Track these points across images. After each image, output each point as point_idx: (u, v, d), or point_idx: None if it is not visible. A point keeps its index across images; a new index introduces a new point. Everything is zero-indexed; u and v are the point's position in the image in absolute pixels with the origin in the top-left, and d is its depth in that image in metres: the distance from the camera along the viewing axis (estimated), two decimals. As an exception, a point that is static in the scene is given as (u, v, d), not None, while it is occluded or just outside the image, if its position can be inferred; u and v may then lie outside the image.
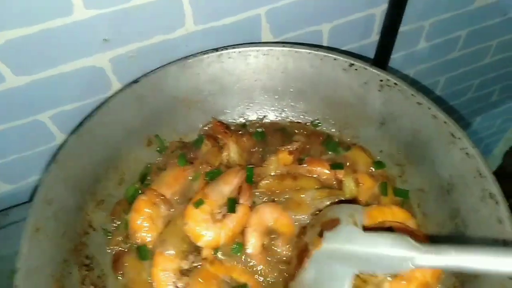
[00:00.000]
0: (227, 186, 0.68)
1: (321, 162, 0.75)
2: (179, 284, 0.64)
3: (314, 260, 0.60)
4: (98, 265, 0.67)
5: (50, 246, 0.60)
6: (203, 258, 0.65)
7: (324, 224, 0.62)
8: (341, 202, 0.70)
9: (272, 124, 0.84)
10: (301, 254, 0.63)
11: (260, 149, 0.78)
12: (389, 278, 0.63)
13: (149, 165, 0.78)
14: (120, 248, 0.69)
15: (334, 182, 0.74)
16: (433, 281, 0.65)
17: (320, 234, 0.60)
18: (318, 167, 0.74)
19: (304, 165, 0.74)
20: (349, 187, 0.72)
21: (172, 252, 0.65)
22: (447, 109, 0.68)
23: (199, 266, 0.65)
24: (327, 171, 0.74)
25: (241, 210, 0.67)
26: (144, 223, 0.67)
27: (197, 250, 0.66)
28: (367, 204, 0.72)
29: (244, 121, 0.84)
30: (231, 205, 0.67)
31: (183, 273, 0.65)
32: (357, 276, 0.65)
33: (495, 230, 0.59)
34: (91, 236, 0.68)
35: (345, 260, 0.56)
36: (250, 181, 0.71)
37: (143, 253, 0.66)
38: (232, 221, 0.66)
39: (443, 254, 0.50)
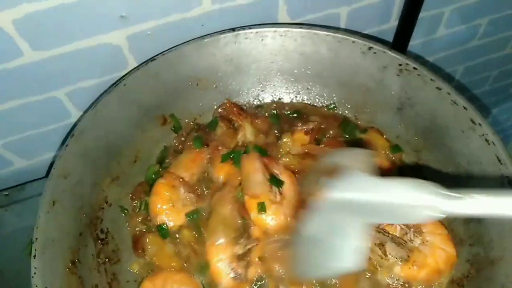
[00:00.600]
0: (257, 173, 0.67)
1: (340, 143, 0.75)
2: (239, 270, 0.63)
3: (317, 213, 0.53)
4: (113, 240, 0.68)
5: (67, 219, 0.60)
6: (255, 239, 0.65)
7: (327, 172, 0.54)
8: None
9: (288, 106, 0.83)
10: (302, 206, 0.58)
11: (275, 131, 0.77)
12: (399, 262, 0.63)
13: (166, 147, 0.78)
14: (138, 229, 0.69)
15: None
16: (445, 268, 0.64)
17: (322, 183, 0.53)
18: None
19: (322, 146, 0.74)
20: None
21: (222, 241, 0.64)
22: (466, 98, 0.67)
23: (253, 248, 0.65)
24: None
25: (287, 179, 0.68)
26: (164, 206, 0.68)
27: (246, 233, 0.65)
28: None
29: (259, 103, 0.84)
30: (276, 181, 0.68)
31: (240, 258, 0.64)
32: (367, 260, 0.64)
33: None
34: (107, 211, 0.69)
35: (355, 211, 0.49)
36: (264, 153, 0.72)
37: (163, 232, 0.67)
38: (291, 197, 0.67)
39: (473, 198, 0.43)
